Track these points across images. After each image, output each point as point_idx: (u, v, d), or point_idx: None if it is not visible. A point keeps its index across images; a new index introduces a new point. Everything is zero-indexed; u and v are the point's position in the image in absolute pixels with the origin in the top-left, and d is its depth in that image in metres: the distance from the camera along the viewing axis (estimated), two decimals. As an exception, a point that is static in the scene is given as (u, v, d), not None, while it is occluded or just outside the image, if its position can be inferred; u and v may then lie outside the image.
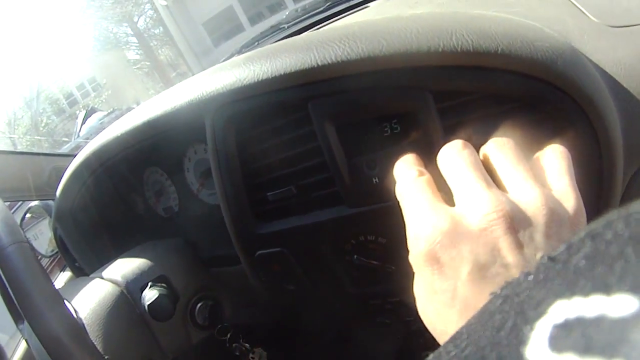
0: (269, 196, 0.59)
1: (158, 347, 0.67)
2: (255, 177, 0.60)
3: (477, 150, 0.38)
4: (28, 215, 1.26)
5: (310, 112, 0.52)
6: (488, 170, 0.36)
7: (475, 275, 0.30)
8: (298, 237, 0.60)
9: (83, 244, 0.93)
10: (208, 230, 0.78)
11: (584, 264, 0.18)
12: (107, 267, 0.73)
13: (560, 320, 0.17)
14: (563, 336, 0.17)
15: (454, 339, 0.24)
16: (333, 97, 0.51)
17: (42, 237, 1.27)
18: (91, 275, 0.72)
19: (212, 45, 15.28)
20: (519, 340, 0.19)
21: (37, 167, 1.20)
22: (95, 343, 0.59)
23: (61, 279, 1.40)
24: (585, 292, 0.17)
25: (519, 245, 0.30)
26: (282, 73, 0.52)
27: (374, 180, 0.53)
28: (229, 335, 0.78)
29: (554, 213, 0.31)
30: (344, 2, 1.17)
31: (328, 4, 1.24)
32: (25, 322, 0.51)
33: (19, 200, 1.60)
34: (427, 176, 0.38)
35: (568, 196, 0.33)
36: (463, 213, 0.33)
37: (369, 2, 1.08)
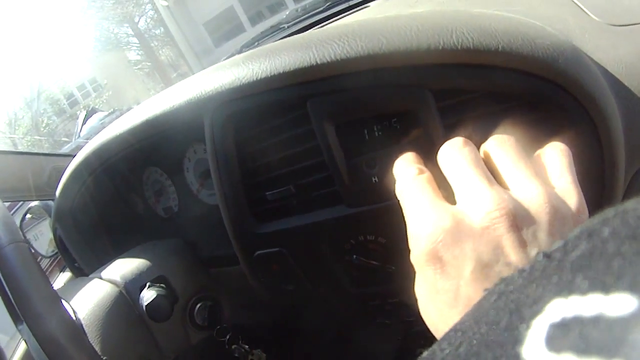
0: (268, 196, 0.59)
1: (157, 348, 0.67)
2: (254, 177, 0.60)
3: (478, 148, 0.37)
4: (28, 215, 1.25)
5: (309, 110, 0.52)
6: (489, 168, 0.35)
7: (478, 274, 0.30)
8: (297, 237, 0.60)
9: (82, 244, 0.93)
10: (208, 230, 0.78)
11: (580, 261, 0.18)
12: (106, 267, 0.72)
13: (557, 319, 0.17)
14: (561, 335, 0.16)
15: (448, 336, 0.24)
16: (332, 96, 0.51)
17: (43, 238, 1.27)
18: (90, 276, 0.72)
19: (212, 46, 15.29)
20: (514, 338, 0.18)
21: (37, 167, 1.20)
22: (93, 343, 0.59)
23: (61, 280, 1.39)
24: (583, 291, 0.17)
25: (522, 244, 0.30)
26: (281, 71, 0.51)
27: (374, 179, 0.53)
28: (228, 337, 0.77)
29: (557, 211, 0.31)
30: (344, 2, 1.17)
31: (328, 3, 1.24)
32: (24, 323, 0.50)
33: (19, 201, 1.60)
34: (427, 174, 0.37)
35: (570, 194, 0.33)
36: (465, 211, 0.32)
37: (369, 1, 1.08)
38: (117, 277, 0.68)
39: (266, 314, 0.96)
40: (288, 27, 1.33)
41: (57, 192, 0.87)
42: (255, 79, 0.53)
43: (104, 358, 0.57)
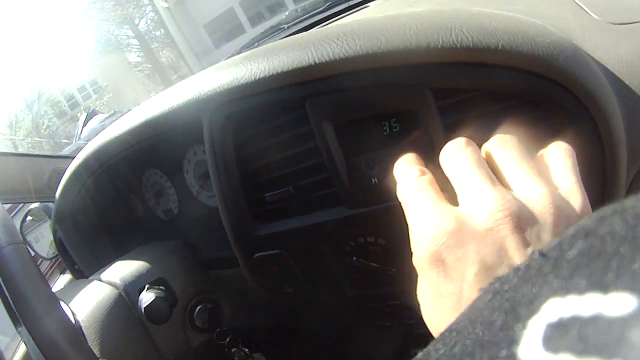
0: (267, 197, 0.59)
1: (156, 350, 0.67)
2: (254, 178, 0.60)
3: (480, 148, 0.37)
4: (29, 217, 1.26)
5: (308, 110, 0.52)
6: (492, 168, 0.35)
7: (481, 276, 0.29)
8: (297, 239, 0.59)
9: (82, 246, 0.92)
10: (208, 232, 0.77)
11: (578, 260, 0.18)
12: (105, 269, 0.72)
13: (554, 319, 0.17)
14: (558, 336, 0.16)
15: (442, 336, 0.23)
16: (331, 96, 0.51)
17: (43, 240, 1.27)
18: (90, 278, 0.72)
19: (213, 47, 15.32)
20: (510, 339, 0.18)
21: (37, 169, 1.20)
22: (92, 346, 0.58)
23: (61, 282, 1.39)
24: (581, 290, 0.17)
25: (526, 245, 0.29)
26: (279, 71, 0.51)
27: (374, 180, 0.52)
28: (228, 339, 0.77)
29: (561, 211, 0.30)
30: (344, 2, 1.17)
31: (328, 4, 1.24)
32: (23, 325, 0.50)
33: (19, 202, 1.60)
34: (429, 175, 0.37)
35: (574, 194, 0.32)
36: (468, 212, 0.32)
37: (369, 1, 1.08)
38: (117, 279, 0.67)
39: (266, 317, 0.96)
40: (288, 27, 1.33)
41: (57, 194, 0.86)
42: (253, 79, 0.53)
43: (103, 360, 0.57)
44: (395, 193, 0.39)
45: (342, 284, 0.63)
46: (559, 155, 0.35)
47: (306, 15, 1.30)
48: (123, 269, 0.69)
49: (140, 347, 0.65)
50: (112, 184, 0.87)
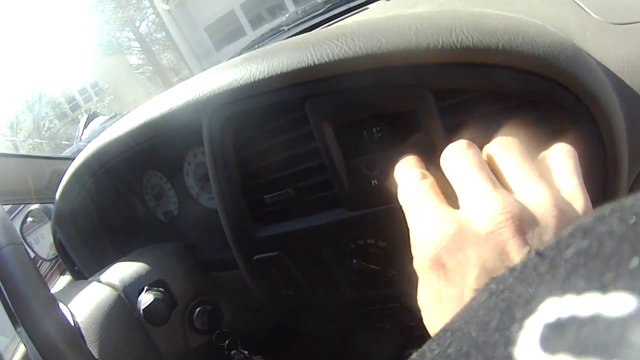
0: (267, 199, 0.59)
1: (156, 352, 0.67)
2: (253, 180, 0.60)
3: (481, 150, 0.37)
4: (29, 219, 1.26)
5: (308, 111, 0.52)
6: (493, 170, 0.34)
7: (482, 280, 0.29)
8: (296, 241, 0.59)
9: (82, 247, 0.92)
10: (207, 234, 0.77)
11: (575, 260, 0.18)
12: (105, 270, 0.72)
13: (551, 319, 0.17)
14: (556, 336, 0.16)
15: (437, 337, 0.23)
16: (331, 96, 0.51)
17: (44, 241, 1.27)
18: (89, 279, 0.71)
19: (214, 49, 15.33)
20: (506, 339, 0.18)
21: (37, 170, 1.20)
22: (91, 347, 0.58)
23: (61, 283, 1.39)
24: (579, 290, 0.16)
25: (527, 248, 0.29)
26: (279, 72, 0.51)
27: (374, 182, 0.52)
28: (227, 341, 0.77)
29: (564, 214, 0.30)
30: (344, 4, 1.17)
31: (328, 5, 1.24)
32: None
33: (19, 203, 1.60)
34: (430, 179, 0.36)
35: (577, 196, 0.32)
36: (469, 215, 0.31)
37: (369, 3, 1.07)
38: (116, 281, 0.67)
39: (266, 319, 0.96)
40: (288, 29, 1.33)
41: (57, 195, 0.86)
42: (253, 80, 0.52)
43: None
44: (396, 195, 0.38)
45: (341, 286, 0.63)
46: (561, 157, 0.35)
47: (306, 17, 1.30)
48: (122, 271, 0.69)
49: (140, 348, 0.65)
50: (112, 186, 0.87)
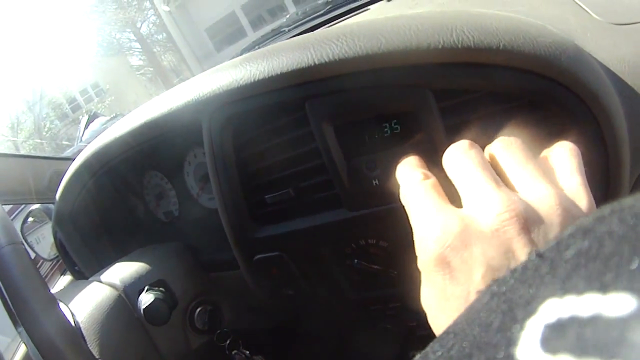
0: (267, 199, 0.59)
1: (156, 352, 0.66)
2: (254, 180, 0.60)
3: (483, 150, 0.37)
4: (30, 219, 1.26)
5: (308, 112, 0.52)
6: (496, 170, 0.34)
7: (488, 279, 0.29)
8: (297, 241, 0.59)
9: (83, 247, 0.92)
10: (208, 234, 0.77)
11: (576, 260, 0.18)
12: (105, 270, 0.72)
13: (552, 319, 0.17)
14: (557, 336, 0.16)
15: (440, 339, 0.23)
16: (331, 97, 0.50)
17: (44, 241, 1.27)
18: (89, 279, 0.71)
19: (214, 51, 15.34)
20: (508, 340, 0.18)
21: (38, 170, 1.20)
22: (91, 347, 0.58)
23: (62, 283, 1.40)
24: (579, 291, 0.16)
25: (533, 246, 0.28)
26: (279, 72, 0.51)
27: (374, 182, 0.52)
28: (228, 341, 0.77)
29: (568, 213, 0.30)
30: (345, 5, 1.17)
31: (329, 7, 1.24)
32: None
33: (19, 204, 1.60)
34: (432, 179, 0.36)
35: (581, 195, 0.32)
36: (473, 214, 0.31)
37: (370, 4, 1.07)
38: (117, 281, 0.67)
39: (267, 319, 0.96)
40: (289, 30, 1.33)
41: (57, 196, 0.86)
42: (253, 80, 0.52)
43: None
44: (397, 195, 0.38)
45: (342, 287, 0.62)
46: (565, 156, 0.35)
47: (307, 19, 1.30)
48: (123, 271, 0.69)
49: (140, 348, 0.65)
50: (112, 186, 0.87)
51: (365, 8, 1.05)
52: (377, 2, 1.07)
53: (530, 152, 0.35)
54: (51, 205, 1.14)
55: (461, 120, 0.48)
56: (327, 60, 0.48)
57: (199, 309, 0.72)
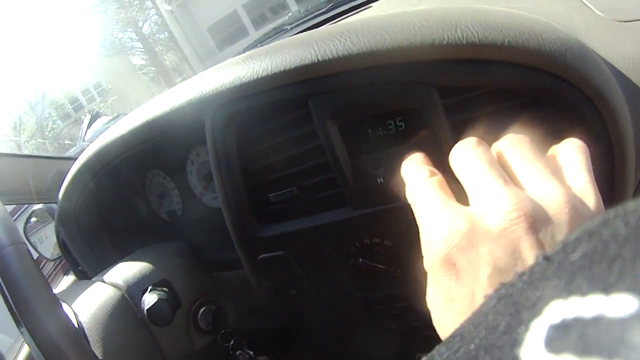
0: (271, 198, 0.58)
1: (160, 352, 0.66)
2: (257, 179, 0.59)
3: (490, 148, 0.36)
4: (33, 219, 1.26)
5: (312, 109, 0.51)
6: (503, 168, 0.34)
7: (495, 279, 0.28)
8: (301, 240, 0.59)
9: (86, 247, 0.92)
10: (211, 233, 0.77)
11: (580, 263, 0.18)
12: (108, 270, 0.72)
13: (556, 320, 0.17)
14: (560, 336, 0.16)
15: (447, 341, 0.23)
16: (335, 94, 0.50)
17: (48, 241, 1.27)
18: (92, 279, 0.71)
19: (216, 50, 15.35)
20: (513, 341, 0.18)
21: (40, 170, 1.20)
22: (94, 348, 0.58)
23: (65, 283, 1.40)
24: (583, 292, 0.17)
25: (540, 246, 0.28)
26: (282, 69, 0.50)
27: (379, 180, 0.52)
28: (232, 342, 0.77)
29: (577, 211, 0.29)
30: (347, 3, 1.17)
31: (331, 4, 1.24)
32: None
33: (21, 204, 1.60)
34: (439, 176, 0.36)
35: (589, 194, 0.31)
36: (481, 213, 0.31)
37: (372, 1, 1.07)
38: (120, 281, 0.67)
39: (270, 319, 0.95)
40: (291, 28, 1.33)
41: (60, 195, 0.86)
42: (256, 77, 0.52)
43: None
44: (402, 193, 0.38)
45: (346, 286, 0.62)
46: (572, 153, 0.34)
47: (309, 16, 1.30)
48: (126, 271, 0.69)
49: (144, 349, 0.65)
50: (114, 185, 0.87)
51: (368, 5, 1.05)
52: (379, -1, 1.06)
53: (538, 150, 0.35)
54: (54, 205, 1.14)
55: (466, 117, 0.48)
56: (330, 57, 0.48)
57: (202, 309, 0.72)
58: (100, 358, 0.57)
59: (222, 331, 0.75)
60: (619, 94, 0.48)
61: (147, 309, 0.63)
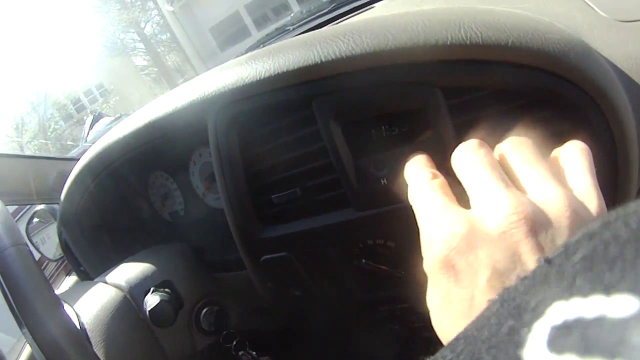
0: (274, 199, 0.58)
1: (162, 354, 0.66)
2: (260, 180, 0.59)
3: (492, 150, 0.36)
4: (36, 219, 1.26)
5: (315, 110, 0.51)
6: (505, 170, 0.34)
7: (494, 282, 0.28)
8: (304, 241, 0.59)
9: (87, 248, 0.92)
10: (214, 234, 0.77)
11: (582, 264, 0.18)
12: (111, 271, 0.72)
13: (558, 321, 0.17)
14: (562, 337, 0.16)
15: (450, 344, 0.23)
16: (338, 95, 0.50)
17: (50, 242, 1.27)
18: (95, 280, 0.71)
19: (218, 50, 15.36)
20: (515, 342, 0.18)
21: (42, 171, 1.20)
22: (97, 349, 0.58)
23: (67, 283, 1.40)
24: (584, 293, 0.17)
25: (540, 250, 0.28)
26: (285, 70, 0.50)
27: (382, 181, 0.52)
28: (234, 342, 0.77)
29: (577, 215, 0.29)
30: (349, 3, 1.17)
31: (333, 5, 1.24)
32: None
33: (23, 204, 1.61)
34: (441, 179, 0.36)
35: (590, 197, 0.31)
36: (481, 215, 0.31)
37: (375, 2, 1.07)
38: (122, 282, 0.67)
39: (273, 319, 0.95)
40: (293, 29, 1.33)
41: (62, 196, 0.86)
42: (258, 78, 0.52)
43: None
44: (406, 195, 0.38)
45: (349, 287, 0.62)
46: (575, 155, 0.34)
47: (311, 17, 1.30)
48: (128, 271, 0.69)
49: (146, 350, 0.65)
50: (116, 186, 0.87)
51: (371, 6, 1.05)
52: None
53: (540, 152, 0.35)
54: (56, 206, 1.14)
55: (470, 118, 0.48)
56: (333, 57, 0.48)
57: (204, 310, 0.72)
58: (102, 359, 0.57)
59: (225, 332, 0.75)
60: (623, 94, 0.48)
61: (150, 310, 0.63)
